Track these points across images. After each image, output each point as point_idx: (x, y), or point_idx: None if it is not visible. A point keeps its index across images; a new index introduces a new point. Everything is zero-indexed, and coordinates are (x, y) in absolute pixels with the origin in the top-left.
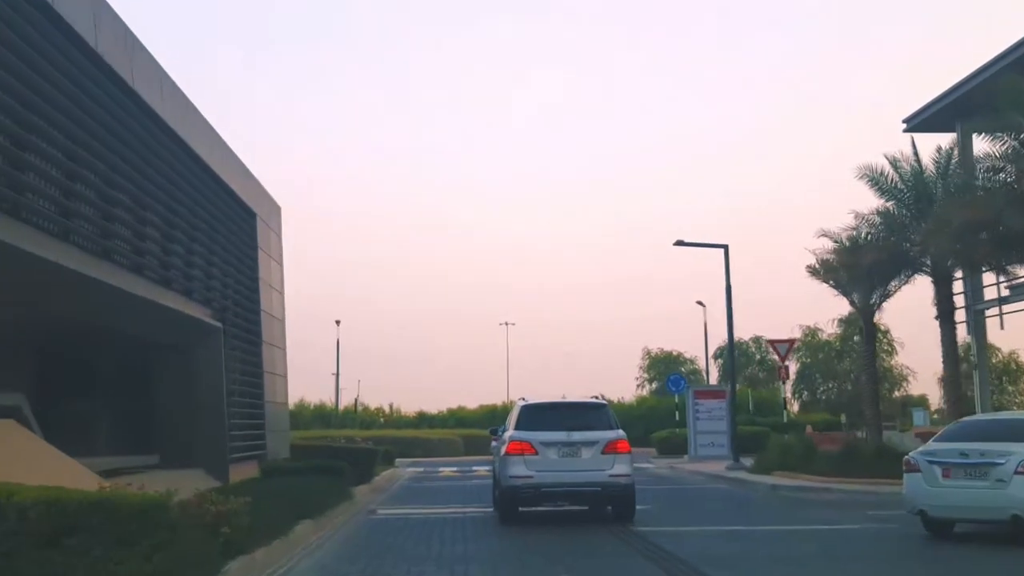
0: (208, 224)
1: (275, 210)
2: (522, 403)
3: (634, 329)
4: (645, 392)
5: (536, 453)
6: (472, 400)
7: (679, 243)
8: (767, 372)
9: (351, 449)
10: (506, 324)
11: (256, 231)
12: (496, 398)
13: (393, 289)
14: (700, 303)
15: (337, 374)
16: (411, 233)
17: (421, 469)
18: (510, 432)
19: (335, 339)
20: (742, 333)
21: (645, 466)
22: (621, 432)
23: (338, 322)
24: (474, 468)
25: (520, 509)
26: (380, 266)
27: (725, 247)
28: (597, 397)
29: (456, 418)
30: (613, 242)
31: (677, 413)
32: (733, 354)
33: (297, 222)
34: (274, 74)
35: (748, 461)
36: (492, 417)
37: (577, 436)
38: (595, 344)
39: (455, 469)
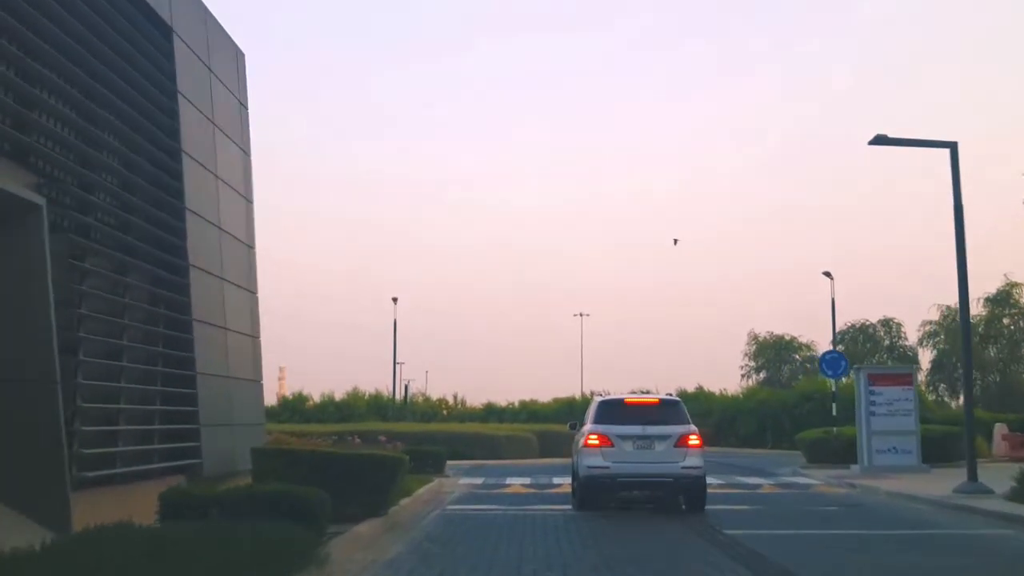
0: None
1: (229, 52)
2: (599, 398)
3: (736, 312)
4: (752, 382)
5: (612, 445)
6: (545, 393)
7: (878, 140)
8: (896, 359)
9: (360, 458)
10: (580, 315)
11: (173, 62)
12: (569, 390)
13: (464, 276)
14: (827, 274)
15: (395, 359)
16: (486, 215)
17: (480, 480)
18: (588, 426)
19: (394, 320)
20: (867, 315)
21: (802, 481)
22: (693, 427)
23: (395, 300)
24: (554, 480)
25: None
26: (453, 253)
27: (953, 145)
28: (670, 394)
29: (528, 411)
30: (698, 208)
31: (834, 406)
32: (967, 303)
33: (386, 204)
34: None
35: (996, 484)
36: (570, 411)
37: (651, 430)
38: (688, 330)
39: (527, 481)
